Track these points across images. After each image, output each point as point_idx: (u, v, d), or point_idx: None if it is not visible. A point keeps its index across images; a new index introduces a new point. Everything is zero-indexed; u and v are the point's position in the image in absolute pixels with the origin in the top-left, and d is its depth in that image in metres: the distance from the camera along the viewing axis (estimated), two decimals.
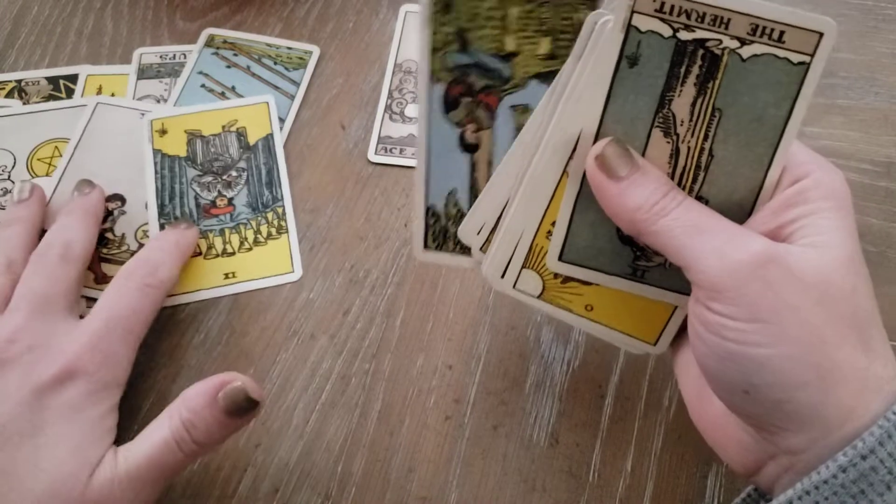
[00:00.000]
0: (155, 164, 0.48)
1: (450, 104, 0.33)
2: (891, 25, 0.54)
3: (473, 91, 0.33)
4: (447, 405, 0.40)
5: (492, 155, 0.34)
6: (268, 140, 0.49)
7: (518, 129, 0.33)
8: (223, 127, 0.49)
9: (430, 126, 0.34)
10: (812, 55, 0.28)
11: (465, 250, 0.36)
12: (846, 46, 0.53)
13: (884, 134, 0.49)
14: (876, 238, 0.45)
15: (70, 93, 0.52)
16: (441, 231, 0.36)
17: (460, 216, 0.35)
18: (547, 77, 0.32)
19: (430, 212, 0.36)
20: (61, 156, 0.48)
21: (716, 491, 0.38)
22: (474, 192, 0.35)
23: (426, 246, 0.37)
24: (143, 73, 0.53)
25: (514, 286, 0.35)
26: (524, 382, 0.41)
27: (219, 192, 0.47)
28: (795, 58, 0.28)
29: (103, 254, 0.45)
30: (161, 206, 0.46)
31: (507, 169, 0.34)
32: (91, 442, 0.34)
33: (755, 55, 0.28)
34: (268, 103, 0.50)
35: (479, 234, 0.35)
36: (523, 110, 0.33)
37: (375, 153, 0.49)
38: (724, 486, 0.38)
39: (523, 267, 0.35)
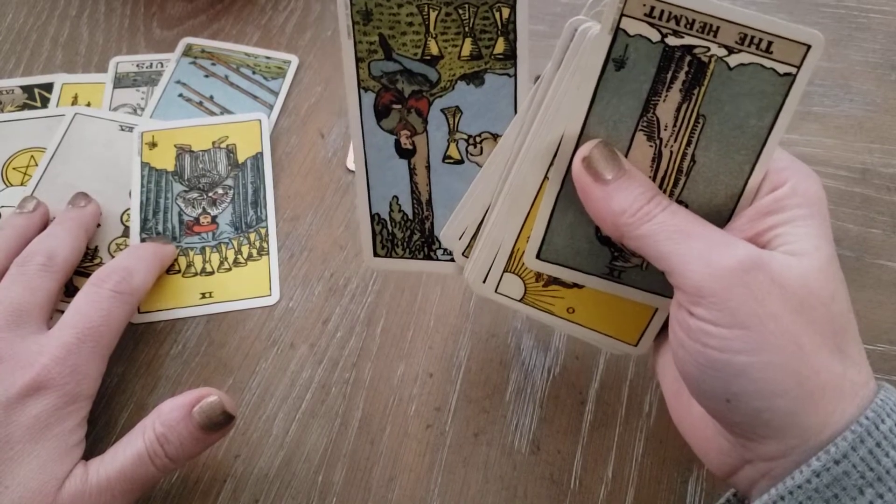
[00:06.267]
0: (142, 177, 0.47)
1: (381, 112, 0.34)
2: (864, 34, 0.55)
3: (403, 97, 0.33)
4: (428, 413, 0.40)
5: (428, 158, 0.34)
6: (257, 159, 0.48)
7: (451, 131, 0.34)
8: (213, 143, 0.49)
9: (364, 136, 0.34)
10: (798, 67, 0.28)
11: (415, 254, 0.37)
12: (821, 54, 0.53)
13: (858, 140, 0.49)
14: (853, 243, 0.45)
15: (45, 102, 0.51)
16: (389, 237, 0.36)
17: (406, 220, 0.36)
18: (473, 78, 0.32)
19: (375, 219, 0.36)
20: (37, 165, 0.47)
21: (696, 496, 0.38)
22: (416, 196, 0.35)
23: (376, 253, 0.37)
24: (120, 81, 0.52)
25: (495, 290, 0.35)
26: (505, 390, 0.41)
27: (203, 209, 0.46)
28: (782, 69, 0.28)
29: None
30: (144, 221, 0.46)
31: (489, 174, 0.34)
32: (59, 457, 0.34)
33: (742, 64, 0.28)
34: (260, 121, 0.50)
35: (460, 238, 0.35)
36: (454, 112, 0.33)
37: (355, 161, 0.48)
38: (705, 490, 0.38)
39: (505, 271, 0.35)
